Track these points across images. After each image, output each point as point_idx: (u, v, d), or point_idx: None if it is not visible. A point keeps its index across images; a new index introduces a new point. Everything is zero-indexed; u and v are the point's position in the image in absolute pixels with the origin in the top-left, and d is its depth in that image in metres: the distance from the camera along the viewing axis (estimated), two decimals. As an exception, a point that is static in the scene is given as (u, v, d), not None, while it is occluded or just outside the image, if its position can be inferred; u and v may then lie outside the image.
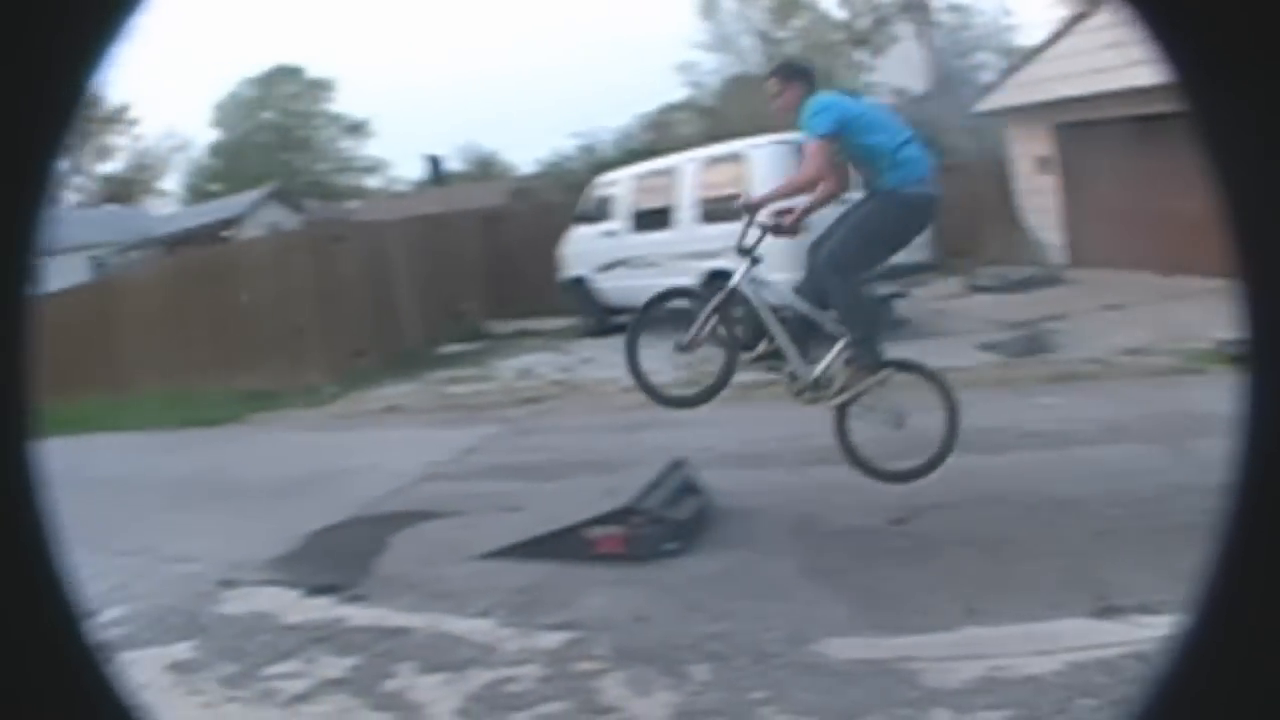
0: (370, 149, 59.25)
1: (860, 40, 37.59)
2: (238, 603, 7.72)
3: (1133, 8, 1.02)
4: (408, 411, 14.79)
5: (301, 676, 6.13)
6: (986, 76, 25.75)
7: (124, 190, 54.21)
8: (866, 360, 7.44)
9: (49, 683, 1.11)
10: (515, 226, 23.14)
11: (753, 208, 7.71)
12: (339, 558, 8.39)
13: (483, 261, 21.56)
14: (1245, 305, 1.00)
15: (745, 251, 7.68)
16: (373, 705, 5.55)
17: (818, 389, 7.57)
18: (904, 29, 32.71)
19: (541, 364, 15.99)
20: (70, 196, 51.76)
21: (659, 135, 36.53)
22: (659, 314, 8.15)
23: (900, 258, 7.86)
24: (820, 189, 7.64)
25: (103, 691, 1.22)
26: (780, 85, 8.01)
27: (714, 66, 41.71)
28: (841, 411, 7.59)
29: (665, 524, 7.19)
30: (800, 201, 7.76)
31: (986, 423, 8.85)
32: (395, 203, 41.00)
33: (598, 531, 7.16)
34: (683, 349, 7.79)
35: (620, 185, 17.71)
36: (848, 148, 7.52)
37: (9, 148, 0.99)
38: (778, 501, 7.98)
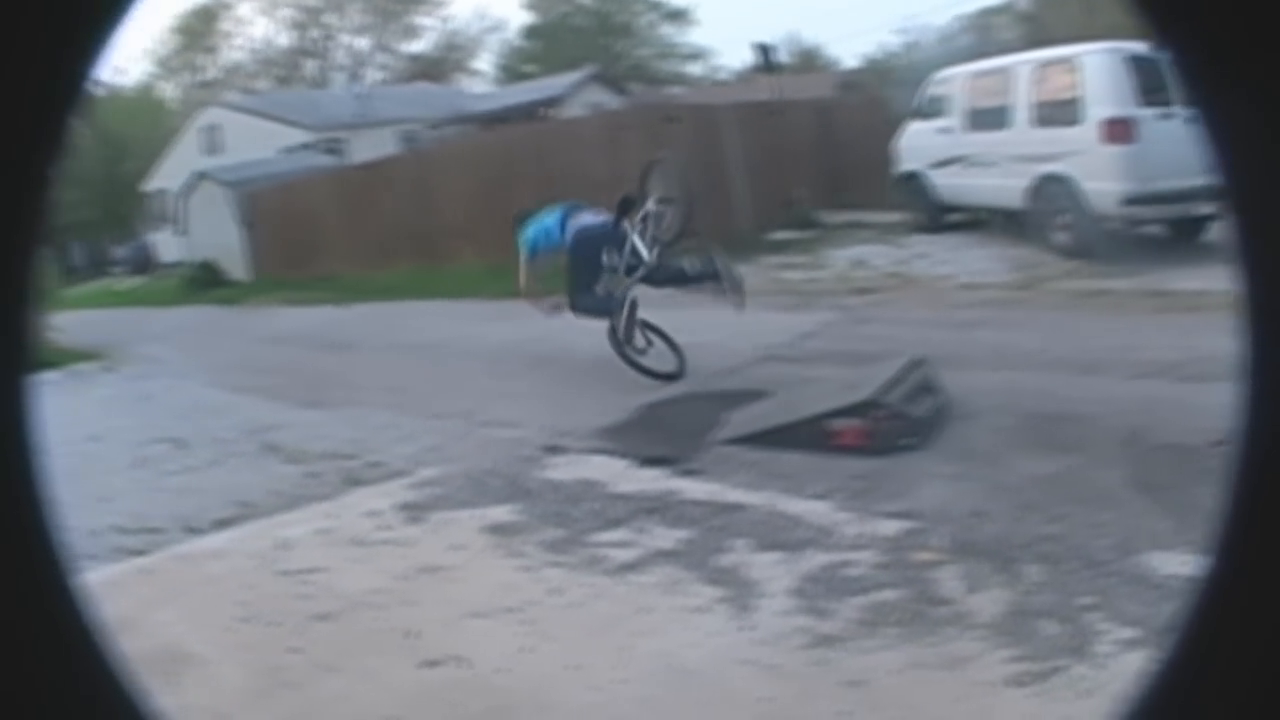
0: (691, 37, 60.26)
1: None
2: (564, 469, 7.93)
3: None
4: None
5: (630, 546, 6.24)
6: None
7: (434, 69, 56.89)
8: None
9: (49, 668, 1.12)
10: (845, 118, 23.20)
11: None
12: (672, 431, 8.57)
13: (814, 151, 21.58)
14: (1248, 301, 1.03)
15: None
16: (704, 579, 5.61)
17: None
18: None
19: (875, 255, 16.36)
20: (374, 74, 54.82)
21: (979, 38, 36.21)
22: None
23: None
24: None
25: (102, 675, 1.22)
26: None
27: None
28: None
29: (904, 420, 7.47)
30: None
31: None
32: (719, 90, 41.34)
33: (839, 424, 7.46)
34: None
35: (955, 83, 17.71)
36: None
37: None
38: (1108, 411, 7.75)
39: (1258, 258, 1.04)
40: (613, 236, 10.73)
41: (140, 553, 7.34)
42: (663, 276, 10.63)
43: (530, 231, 11.25)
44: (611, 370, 10.71)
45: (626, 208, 10.89)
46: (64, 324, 20.06)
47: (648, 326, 10.71)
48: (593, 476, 7.61)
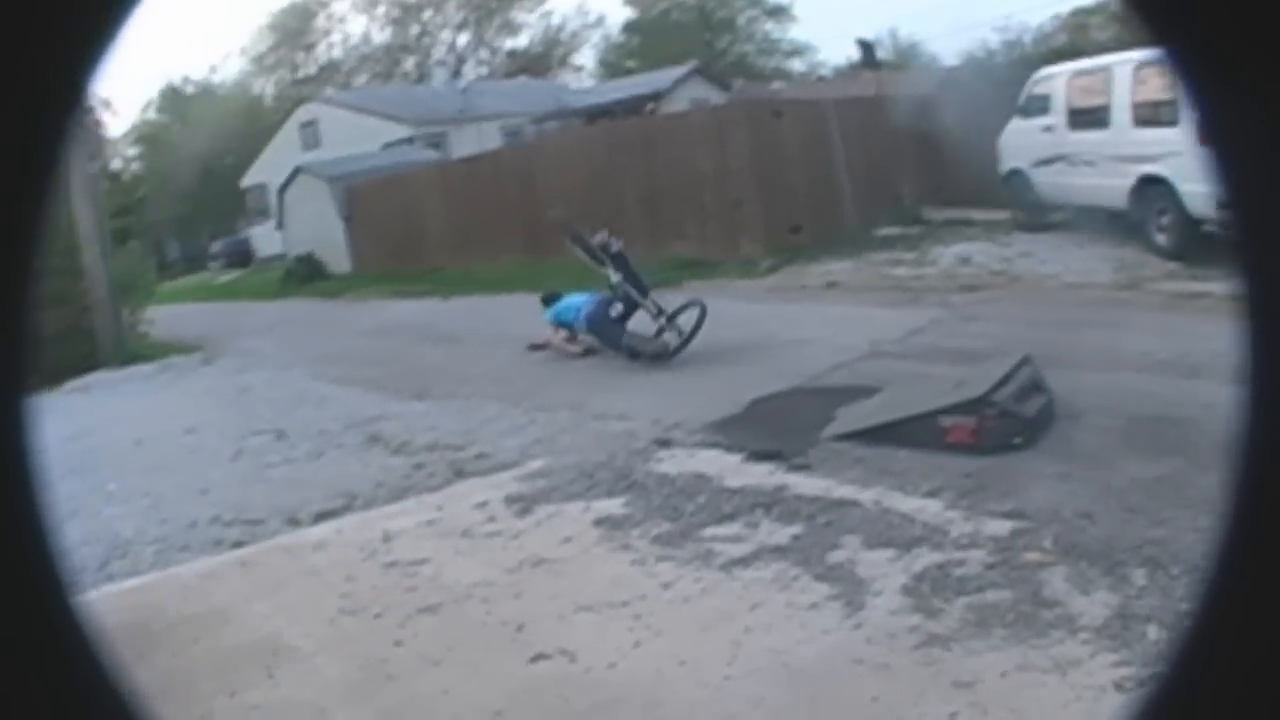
0: (791, 33, 60.72)
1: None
2: (674, 463, 7.91)
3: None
4: (847, 289, 15.35)
5: (741, 541, 6.22)
6: None
7: (535, 64, 57.71)
8: None
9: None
10: (947, 115, 22.98)
11: None
12: (781, 426, 8.56)
13: (917, 148, 21.73)
14: (1249, 302, 1.05)
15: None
16: (815, 575, 5.62)
17: None
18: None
19: (979, 253, 16.57)
20: (474, 70, 55.53)
21: (1074, 36, 36.12)
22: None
23: None
24: None
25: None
26: None
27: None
28: None
29: (1013, 419, 7.55)
30: None
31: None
32: (820, 86, 41.42)
33: (949, 421, 7.53)
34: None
35: (1056, 82, 18.04)
36: None
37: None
38: (1211, 415, 7.49)
39: (1259, 261, 1.05)
40: (611, 298, 12.41)
41: (240, 544, 7.40)
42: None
43: (558, 309, 13.18)
44: (719, 364, 10.89)
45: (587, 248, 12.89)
46: (160, 317, 20.52)
47: (669, 317, 12.01)
48: (703, 470, 7.58)
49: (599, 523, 6.77)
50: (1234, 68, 1.00)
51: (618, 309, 12.24)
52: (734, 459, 7.81)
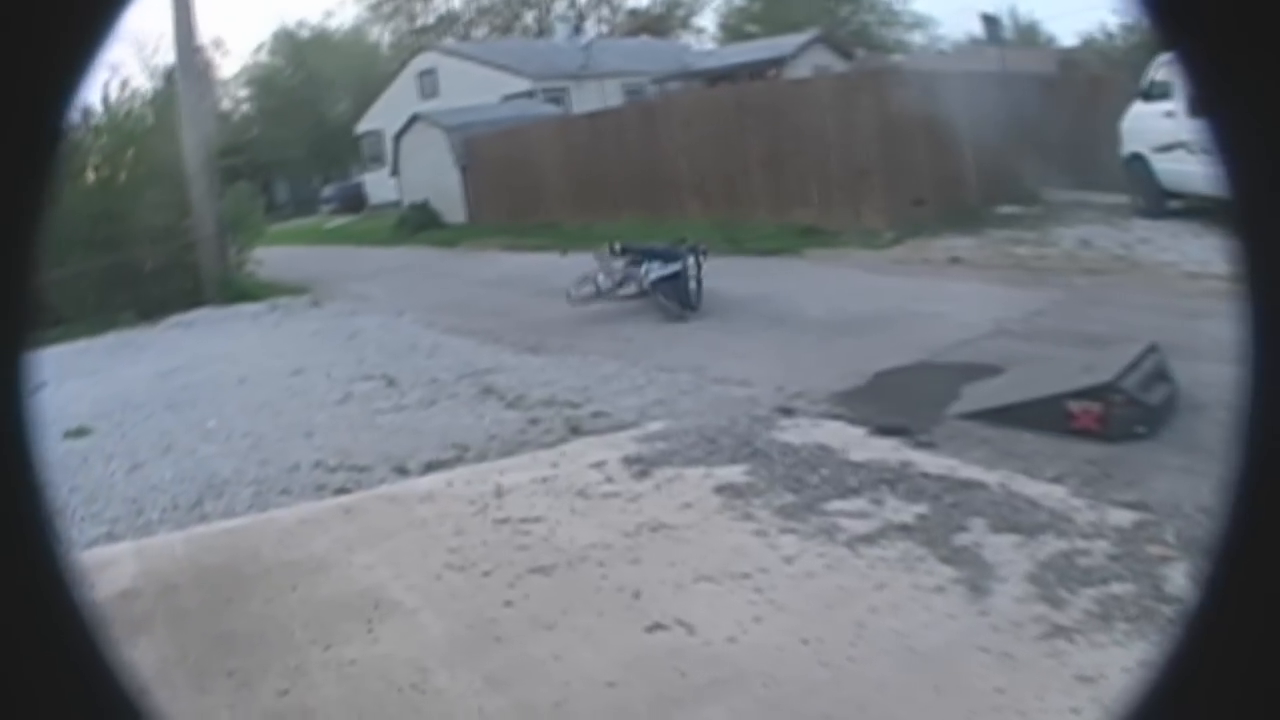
0: (912, 5, 61.68)
1: None
2: (798, 432, 7.73)
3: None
4: (970, 265, 15.19)
5: (866, 517, 6.09)
6: None
7: (656, 24, 57.60)
8: None
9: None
10: (1069, 95, 23.29)
11: None
12: (905, 401, 8.50)
13: (1038, 127, 21.27)
14: (1249, 304, 1.08)
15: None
16: (941, 557, 5.51)
17: None
18: None
19: (1099, 236, 16.29)
20: (595, 27, 55.58)
21: None
22: None
23: None
24: None
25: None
26: None
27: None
28: None
29: (1139, 407, 7.51)
30: None
31: None
32: (940, 60, 41.64)
33: (1076, 406, 7.48)
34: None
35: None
36: None
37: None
38: None
39: (1259, 261, 1.06)
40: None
41: (344, 490, 7.30)
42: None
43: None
44: (843, 335, 10.79)
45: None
46: (268, 258, 20.66)
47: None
48: (827, 442, 7.43)
49: (720, 489, 6.58)
50: (1240, 66, 1.00)
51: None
52: (858, 432, 7.65)
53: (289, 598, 5.42)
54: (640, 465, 7.08)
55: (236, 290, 18.52)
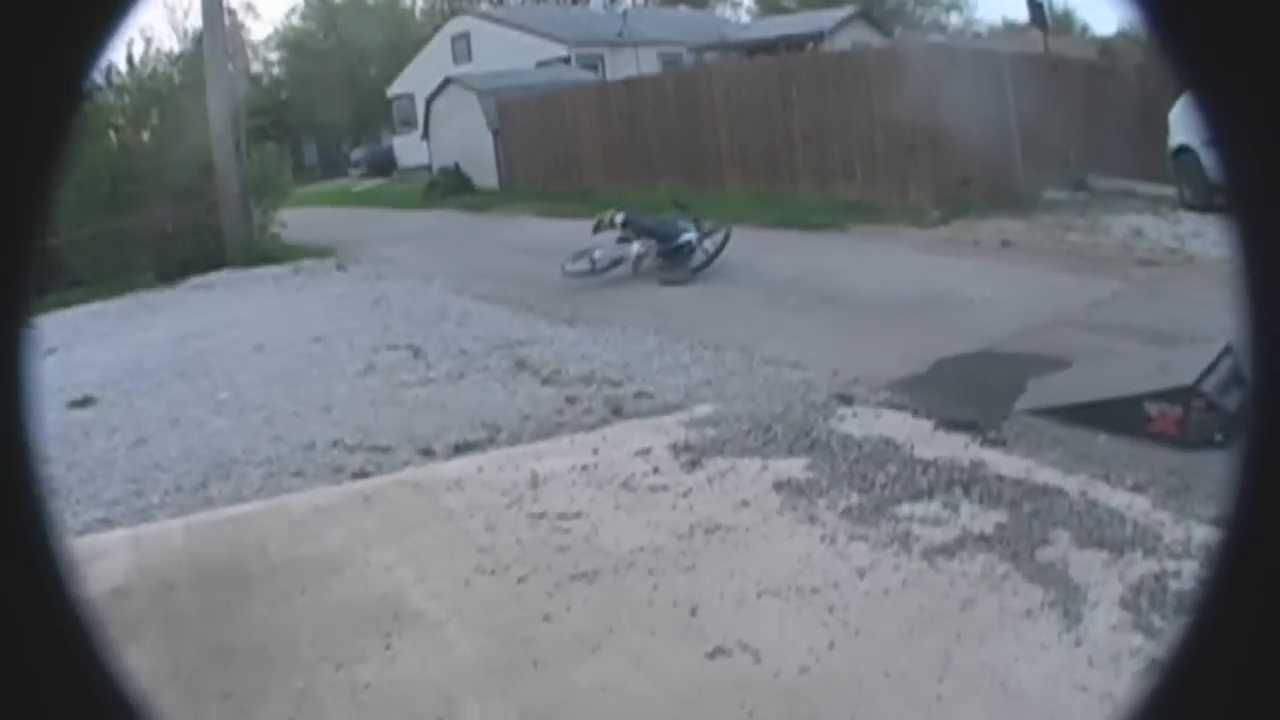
0: None
1: None
2: (858, 423, 7.18)
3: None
4: (1022, 249, 14.74)
5: (942, 524, 5.57)
6: None
7: None
8: None
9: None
10: (1114, 83, 23.03)
11: None
12: (970, 392, 7.96)
13: (1083, 113, 21.15)
14: (1249, 304, 1.08)
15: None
16: (1027, 575, 5.02)
17: None
18: None
19: (1150, 227, 15.89)
20: None
21: None
22: None
23: None
24: None
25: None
26: None
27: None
28: None
29: (1219, 413, 7.08)
30: None
31: None
32: (977, 43, 41.25)
33: (1155, 409, 7.15)
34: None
35: None
36: None
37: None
38: None
39: (1259, 260, 1.08)
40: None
41: (363, 474, 6.75)
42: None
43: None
44: (898, 317, 10.31)
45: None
46: (294, 221, 20.27)
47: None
48: (891, 435, 6.90)
49: (779, 486, 5.99)
50: (1237, 65, 1.00)
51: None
52: (924, 425, 7.13)
53: (297, 602, 4.84)
54: (690, 454, 6.53)
55: (260, 252, 18.15)
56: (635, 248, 13.27)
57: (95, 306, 14.56)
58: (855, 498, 5.86)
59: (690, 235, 13.25)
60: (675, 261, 13.12)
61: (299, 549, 5.45)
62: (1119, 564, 5.12)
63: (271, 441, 7.50)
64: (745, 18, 54.59)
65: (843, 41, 35.11)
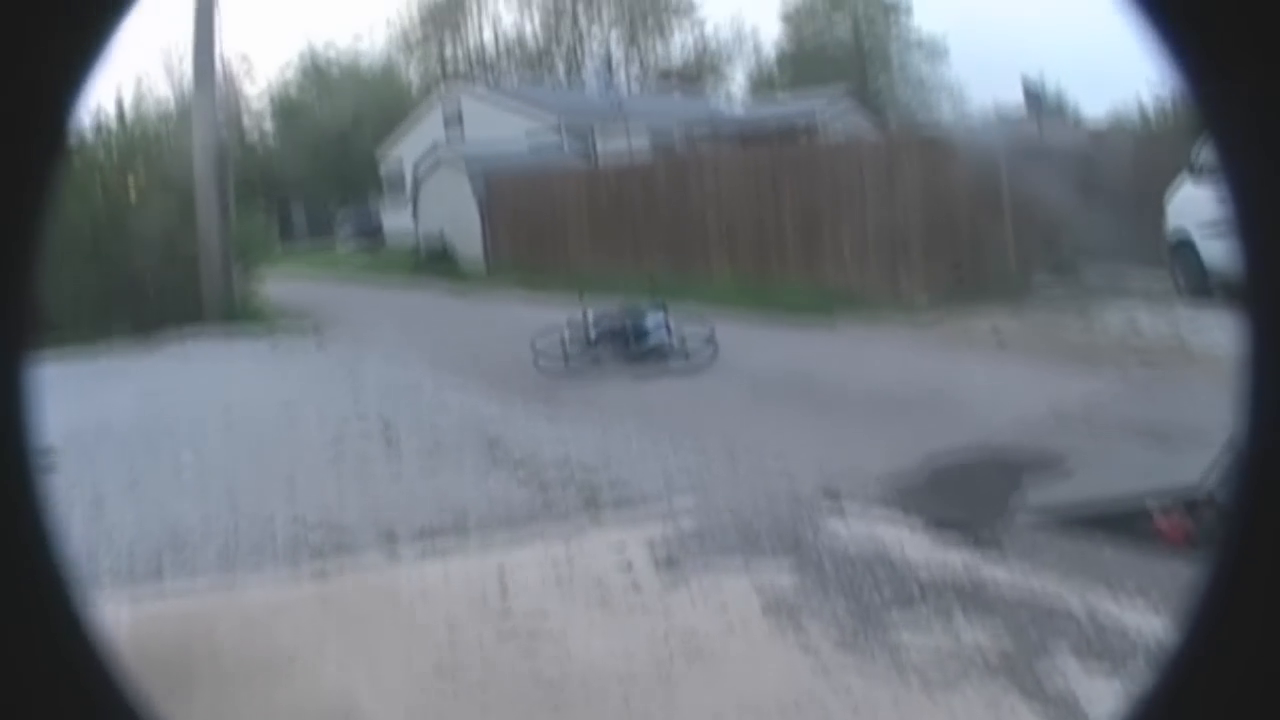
0: (943, 72, 60.99)
1: None
2: (846, 525, 6.89)
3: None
4: (1015, 343, 14.53)
5: (940, 653, 5.13)
6: None
7: (687, 71, 58.12)
8: None
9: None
10: (1104, 168, 22.74)
11: None
12: (968, 494, 7.64)
13: (1078, 198, 20.90)
14: (1250, 305, 1.08)
15: None
16: (1031, 702, 4.59)
17: None
18: None
19: (1145, 319, 15.75)
20: (626, 70, 56.11)
21: None
22: None
23: None
24: None
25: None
26: None
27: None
28: None
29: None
30: None
31: None
32: (976, 131, 41.39)
33: (1162, 517, 6.79)
34: None
35: None
36: None
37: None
38: None
39: (1261, 263, 1.07)
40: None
41: (320, 553, 6.44)
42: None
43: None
44: (887, 413, 10.04)
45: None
46: (277, 292, 20.34)
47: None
48: (882, 540, 6.56)
49: (762, 591, 5.66)
50: (1236, 66, 1.00)
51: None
52: (916, 531, 6.78)
53: (242, 698, 4.54)
54: (668, 557, 6.18)
55: (238, 312, 18.17)
56: (608, 340, 13.14)
57: (67, 358, 14.27)
58: (846, 619, 5.45)
59: (663, 336, 13.06)
60: (647, 360, 12.84)
61: (250, 639, 5.14)
62: (1122, 676, 4.81)
63: (230, 511, 7.25)
64: (738, 103, 55.09)
65: (836, 125, 35.54)
